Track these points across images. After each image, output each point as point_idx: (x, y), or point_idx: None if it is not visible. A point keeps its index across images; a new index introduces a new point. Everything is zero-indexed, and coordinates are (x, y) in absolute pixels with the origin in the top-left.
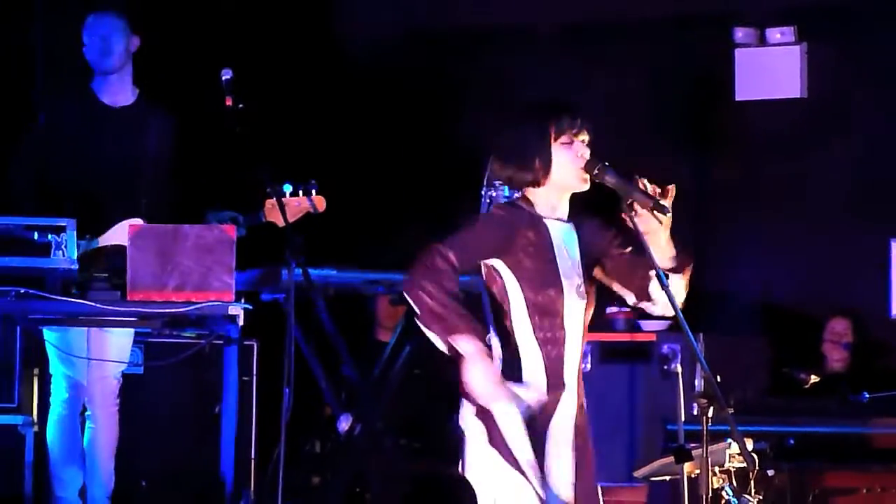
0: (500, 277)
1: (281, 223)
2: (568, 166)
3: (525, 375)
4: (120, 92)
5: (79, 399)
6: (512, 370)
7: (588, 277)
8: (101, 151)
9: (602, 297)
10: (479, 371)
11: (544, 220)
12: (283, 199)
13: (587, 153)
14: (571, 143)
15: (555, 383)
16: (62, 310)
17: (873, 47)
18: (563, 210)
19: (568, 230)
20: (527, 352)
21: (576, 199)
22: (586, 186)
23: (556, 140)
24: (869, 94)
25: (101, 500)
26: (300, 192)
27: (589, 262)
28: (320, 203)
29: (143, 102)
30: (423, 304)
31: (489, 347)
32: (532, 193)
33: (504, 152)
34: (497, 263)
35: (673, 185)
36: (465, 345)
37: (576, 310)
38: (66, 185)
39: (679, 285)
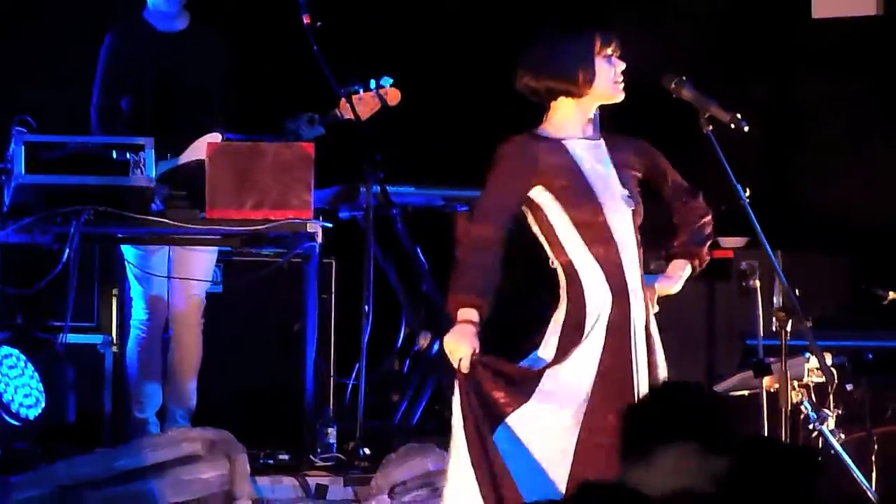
0: (542, 207)
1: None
2: (607, 77)
3: (588, 293)
4: (174, 18)
5: (158, 319)
6: (576, 294)
7: (626, 187)
8: (164, 76)
9: None
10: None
11: (562, 141)
12: (358, 96)
13: (623, 67)
14: (611, 56)
15: (620, 293)
16: (140, 229)
17: None
18: (588, 126)
19: (594, 145)
20: (585, 270)
21: None
22: (622, 97)
23: (598, 53)
24: None
25: (182, 419)
26: (373, 88)
27: (626, 173)
28: (395, 96)
29: (197, 25)
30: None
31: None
32: (556, 110)
33: (540, 64)
34: (535, 192)
35: None
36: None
37: (620, 220)
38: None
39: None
